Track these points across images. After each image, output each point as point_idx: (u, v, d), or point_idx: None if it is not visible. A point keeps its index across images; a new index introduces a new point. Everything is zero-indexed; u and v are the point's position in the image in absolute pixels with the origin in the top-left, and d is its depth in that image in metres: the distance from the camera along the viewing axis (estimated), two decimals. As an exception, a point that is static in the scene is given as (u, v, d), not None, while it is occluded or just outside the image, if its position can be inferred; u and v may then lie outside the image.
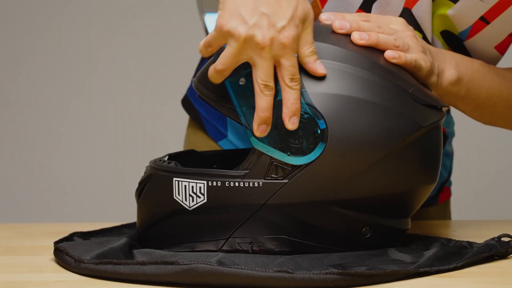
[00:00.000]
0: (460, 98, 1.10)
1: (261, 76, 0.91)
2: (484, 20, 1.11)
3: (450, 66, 1.07)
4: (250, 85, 0.93)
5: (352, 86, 0.94)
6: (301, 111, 0.92)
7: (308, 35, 0.93)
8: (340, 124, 0.92)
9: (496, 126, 1.19)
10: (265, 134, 0.92)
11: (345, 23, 0.98)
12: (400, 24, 1.02)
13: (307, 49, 0.93)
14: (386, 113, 0.94)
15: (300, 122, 0.92)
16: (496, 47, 1.14)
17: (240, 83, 0.94)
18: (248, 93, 0.94)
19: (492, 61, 1.15)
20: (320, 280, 0.86)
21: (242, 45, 0.91)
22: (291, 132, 0.92)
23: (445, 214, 1.34)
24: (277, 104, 0.92)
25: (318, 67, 0.93)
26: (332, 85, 0.94)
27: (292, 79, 0.92)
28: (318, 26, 1.00)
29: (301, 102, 0.92)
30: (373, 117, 0.93)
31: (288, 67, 0.92)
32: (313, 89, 0.93)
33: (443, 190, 1.32)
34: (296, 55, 0.92)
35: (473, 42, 1.13)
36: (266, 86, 0.92)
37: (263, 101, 0.92)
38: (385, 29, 1.00)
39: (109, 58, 2.14)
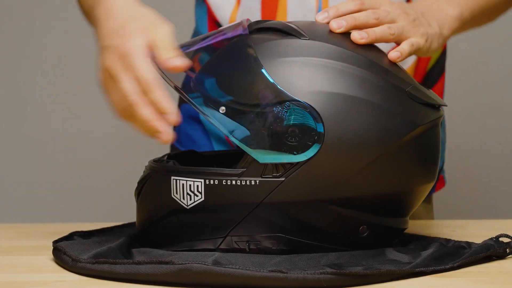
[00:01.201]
0: (470, 23, 1.15)
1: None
2: None
3: (447, 9, 1.10)
4: (231, 112, 0.93)
5: (349, 85, 0.94)
6: (290, 109, 0.92)
7: (161, 39, 0.94)
8: (336, 123, 0.92)
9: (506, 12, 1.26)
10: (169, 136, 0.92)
11: (342, 21, 0.98)
12: (388, 4, 1.03)
13: (163, 53, 0.93)
14: (383, 112, 0.94)
15: (295, 120, 0.92)
16: None
17: (221, 111, 0.94)
18: (232, 118, 0.94)
19: None
20: (314, 280, 0.86)
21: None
22: (287, 131, 0.92)
23: (429, 208, 1.34)
24: (261, 113, 0.92)
25: (174, 62, 0.93)
26: (329, 83, 0.94)
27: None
28: (315, 24, 1.00)
29: (286, 102, 0.92)
30: (370, 116, 0.93)
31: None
32: (310, 87, 0.93)
33: (439, 179, 1.33)
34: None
35: None
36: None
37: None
38: (380, 14, 1.01)
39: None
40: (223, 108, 0.94)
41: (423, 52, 1.04)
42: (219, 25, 1.25)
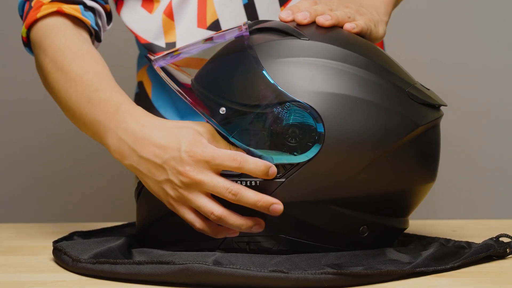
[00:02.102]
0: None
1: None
2: None
3: (378, 2, 1.15)
4: (231, 113, 0.93)
5: (350, 85, 0.94)
6: (290, 110, 0.92)
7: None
8: (337, 123, 0.92)
9: None
10: (263, 227, 0.94)
11: (305, 13, 1.00)
12: (333, 2, 1.06)
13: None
14: (383, 112, 0.94)
15: (295, 120, 0.92)
16: None
17: (221, 112, 0.94)
18: (232, 119, 0.94)
19: None
20: (315, 280, 0.86)
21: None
22: (287, 132, 0.92)
23: None
24: (261, 114, 0.92)
25: (276, 209, 0.93)
26: (330, 83, 0.94)
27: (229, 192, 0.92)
28: (314, 25, 1.00)
29: (286, 102, 0.92)
30: (371, 116, 0.93)
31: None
32: (310, 87, 0.93)
33: None
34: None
35: None
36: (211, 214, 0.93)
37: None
38: (332, 5, 1.03)
39: (109, 57, 2.14)
40: (223, 109, 0.94)
41: (373, 36, 1.06)
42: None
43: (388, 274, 0.88)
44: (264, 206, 0.92)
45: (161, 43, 1.25)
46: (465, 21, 2.04)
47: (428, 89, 1.01)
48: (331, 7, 1.03)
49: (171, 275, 0.88)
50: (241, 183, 0.93)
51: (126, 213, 1.97)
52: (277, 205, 0.92)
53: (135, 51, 1.44)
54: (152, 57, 1.01)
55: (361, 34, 1.02)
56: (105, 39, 1.27)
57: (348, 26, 1.01)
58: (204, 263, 0.87)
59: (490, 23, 2.03)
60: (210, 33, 1.23)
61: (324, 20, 1.00)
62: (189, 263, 0.87)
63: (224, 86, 0.95)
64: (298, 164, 0.92)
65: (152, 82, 1.33)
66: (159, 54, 1.02)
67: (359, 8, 1.07)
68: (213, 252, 0.94)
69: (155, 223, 0.99)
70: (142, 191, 1.01)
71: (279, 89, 0.93)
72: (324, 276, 0.86)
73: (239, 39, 0.98)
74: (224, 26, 1.23)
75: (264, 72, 0.94)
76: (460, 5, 2.06)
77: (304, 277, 0.86)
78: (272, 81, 0.93)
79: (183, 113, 1.28)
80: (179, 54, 1.03)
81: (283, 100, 0.93)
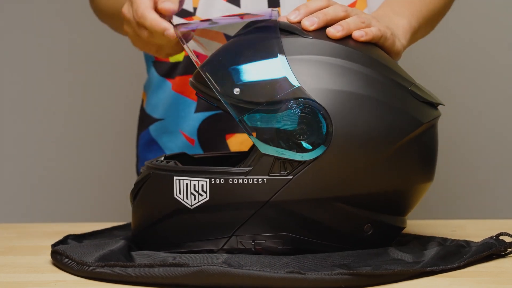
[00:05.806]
0: (419, 32, 1.19)
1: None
2: None
3: (397, 20, 1.11)
4: (244, 95, 0.93)
5: (355, 82, 0.94)
6: (302, 106, 0.92)
7: None
8: (344, 121, 0.92)
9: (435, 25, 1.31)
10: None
11: (313, 18, 0.98)
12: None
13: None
14: (388, 110, 0.94)
15: (305, 118, 0.92)
16: None
17: (235, 93, 0.94)
18: (244, 102, 0.93)
19: None
20: (331, 281, 0.86)
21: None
22: (295, 129, 0.92)
23: None
24: (277, 109, 0.92)
25: (164, 6, 1.06)
26: (336, 81, 0.93)
27: None
28: None
29: (300, 98, 0.92)
30: (377, 113, 0.93)
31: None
32: (316, 85, 0.93)
33: None
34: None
35: None
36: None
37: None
38: (347, 7, 1.01)
39: (109, 57, 2.14)
40: (238, 89, 0.93)
41: (389, 44, 1.02)
42: None
43: (401, 274, 0.89)
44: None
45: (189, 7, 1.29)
46: (464, 21, 2.04)
47: (427, 89, 1.01)
48: (346, 8, 1.00)
49: (185, 277, 0.87)
50: (248, 181, 0.93)
51: (125, 213, 1.97)
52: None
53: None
54: (173, 23, 1.03)
55: (373, 42, 1.00)
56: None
57: (356, 34, 0.98)
58: (218, 265, 0.86)
59: (490, 23, 2.03)
60: (230, 8, 1.25)
61: (335, 31, 0.97)
62: (204, 265, 0.86)
63: (243, 68, 0.94)
64: (305, 162, 0.92)
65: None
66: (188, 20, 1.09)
67: (377, 18, 1.04)
68: (220, 254, 0.93)
69: (155, 224, 0.98)
70: (140, 193, 1.00)
71: (294, 84, 0.92)
72: (341, 277, 0.86)
73: (268, 34, 0.96)
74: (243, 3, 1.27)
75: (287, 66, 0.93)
76: (459, 4, 2.06)
77: (321, 278, 0.86)
78: (292, 74, 0.92)
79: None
80: (201, 22, 1.04)
81: (296, 96, 0.92)
